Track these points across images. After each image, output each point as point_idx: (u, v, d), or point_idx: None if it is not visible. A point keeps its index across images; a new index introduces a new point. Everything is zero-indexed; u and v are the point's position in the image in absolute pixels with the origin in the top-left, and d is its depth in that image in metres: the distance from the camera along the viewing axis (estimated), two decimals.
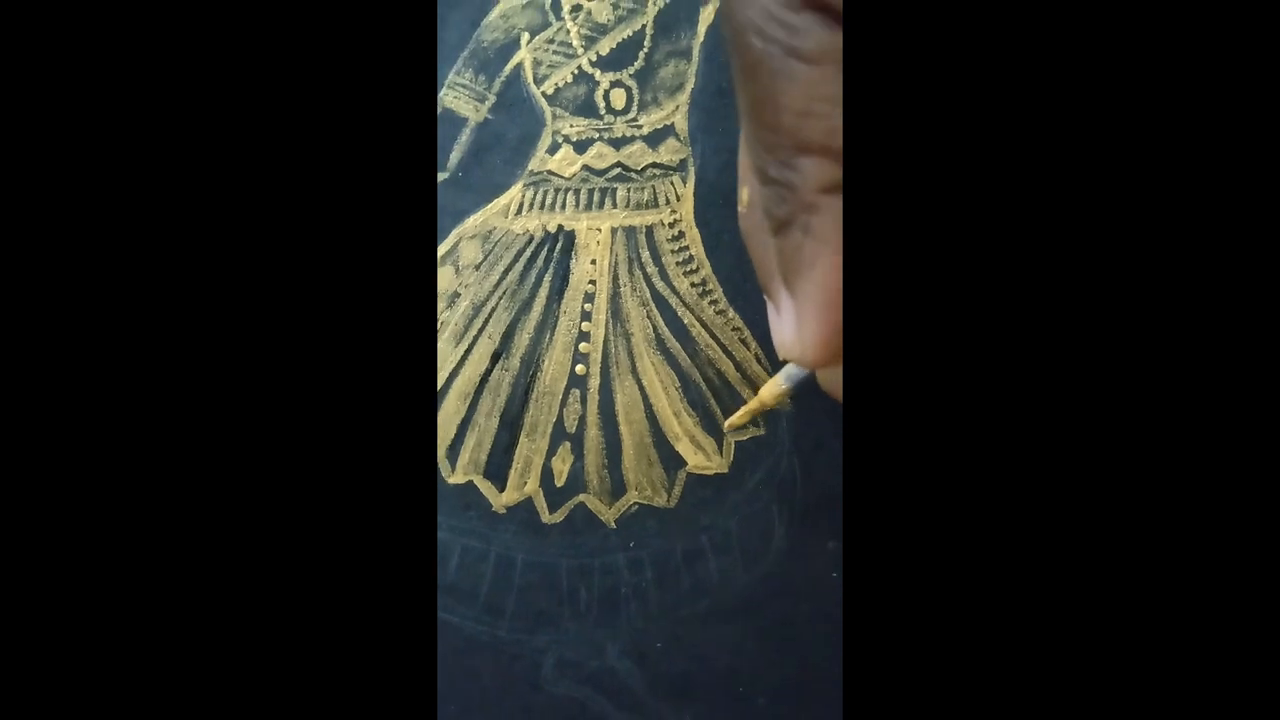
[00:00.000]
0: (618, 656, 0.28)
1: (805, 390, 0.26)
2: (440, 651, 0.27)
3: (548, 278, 0.28)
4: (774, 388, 0.26)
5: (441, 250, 0.28)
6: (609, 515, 0.28)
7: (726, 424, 0.28)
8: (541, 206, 0.28)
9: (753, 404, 0.27)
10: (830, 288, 0.20)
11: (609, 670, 0.27)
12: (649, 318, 0.28)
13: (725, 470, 0.28)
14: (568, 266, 0.28)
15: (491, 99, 0.28)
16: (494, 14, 0.28)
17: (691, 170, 0.28)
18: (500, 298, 0.28)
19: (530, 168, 0.28)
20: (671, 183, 0.28)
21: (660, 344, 0.28)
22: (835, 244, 0.20)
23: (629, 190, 0.28)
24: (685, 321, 0.28)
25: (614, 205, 0.28)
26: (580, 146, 0.28)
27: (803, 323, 0.21)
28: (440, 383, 0.28)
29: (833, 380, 0.24)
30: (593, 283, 0.28)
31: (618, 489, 0.28)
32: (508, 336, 0.28)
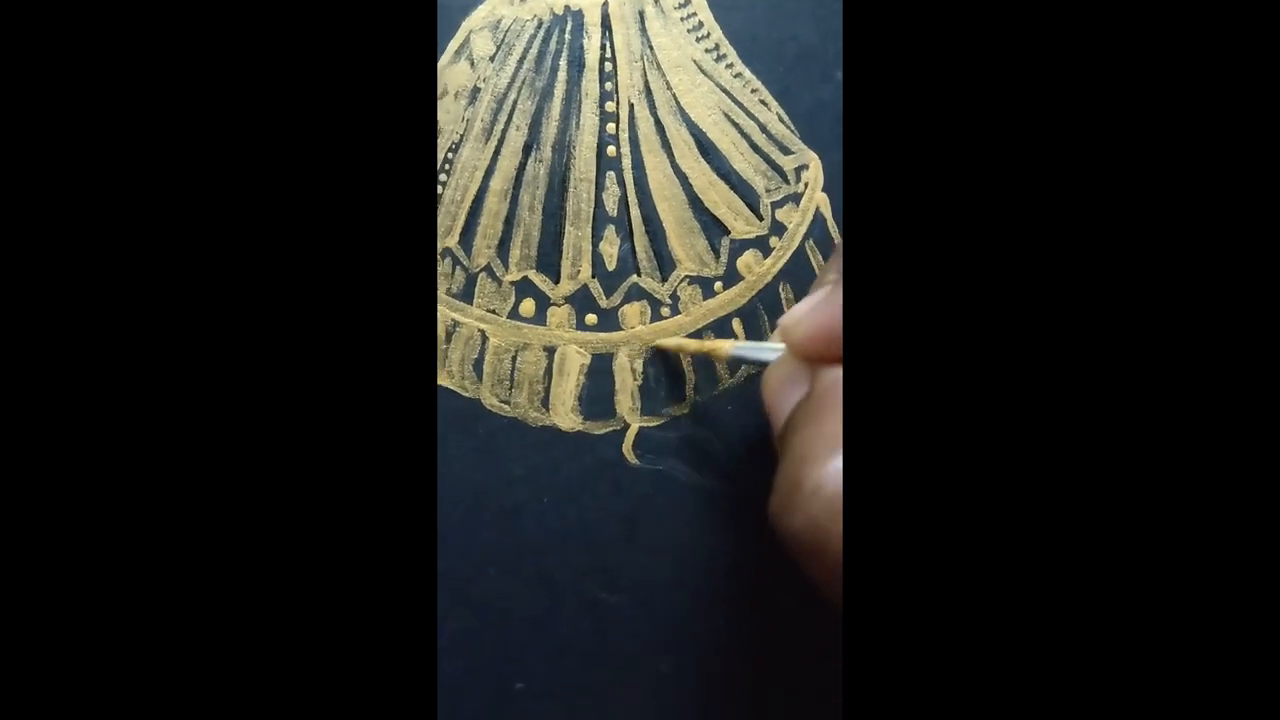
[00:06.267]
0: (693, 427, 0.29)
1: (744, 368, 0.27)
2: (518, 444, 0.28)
3: (563, 62, 0.27)
4: (726, 344, 0.26)
5: (453, 46, 0.27)
6: (663, 292, 0.28)
7: (660, 342, 0.28)
8: None
9: (695, 344, 0.27)
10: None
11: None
12: (669, 88, 0.28)
13: (765, 233, 0.28)
14: (581, 47, 0.28)
15: None
16: None
17: None
18: (520, 88, 0.27)
19: None
20: None
21: (683, 114, 0.28)
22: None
23: None
24: (704, 89, 0.28)
25: None
26: None
27: (819, 307, 0.22)
28: (477, 185, 0.27)
29: (772, 391, 0.23)
30: (609, 60, 0.28)
31: (667, 265, 0.28)
32: (535, 127, 0.27)
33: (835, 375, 0.21)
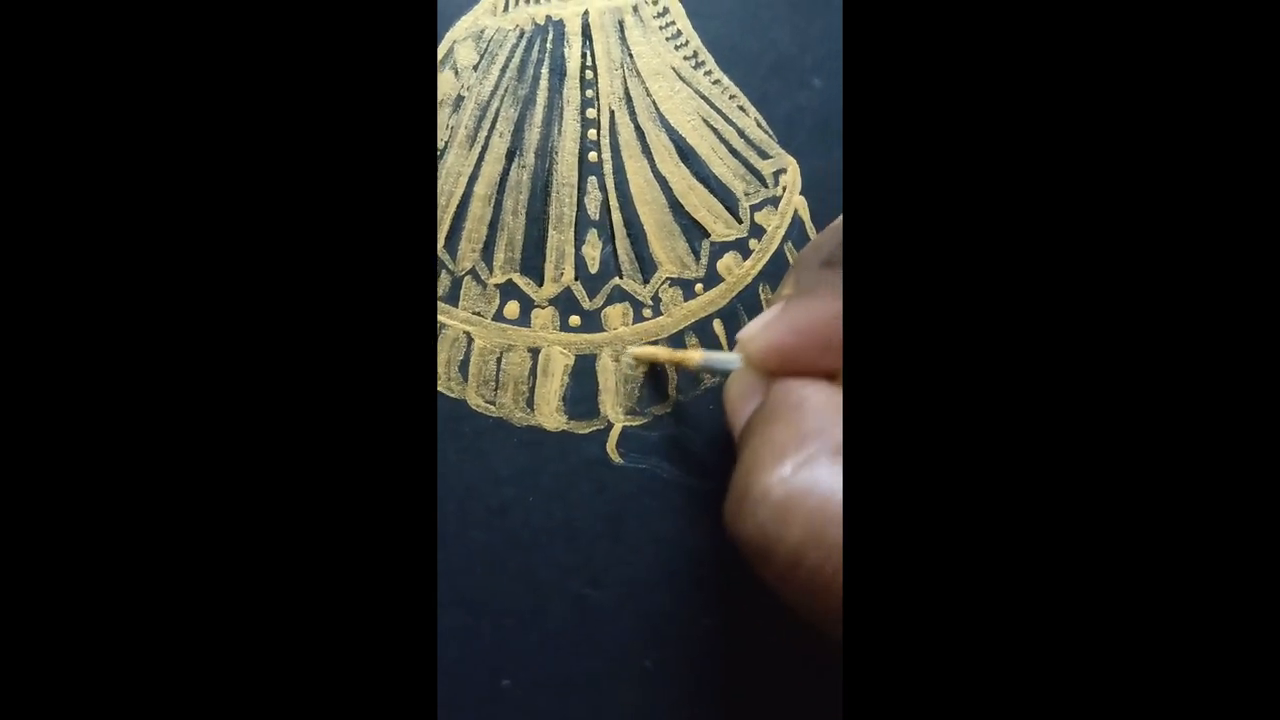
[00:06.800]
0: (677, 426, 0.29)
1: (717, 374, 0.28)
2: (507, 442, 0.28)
3: (545, 70, 0.28)
4: (695, 354, 0.27)
5: (439, 55, 0.28)
6: (645, 294, 0.29)
7: (632, 352, 0.28)
8: (527, 0, 0.28)
9: (665, 352, 0.28)
10: (816, 319, 0.21)
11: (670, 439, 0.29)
12: (649, 95, 0.29)
13: (744, 235, 0.29)
14: (562, 55, 0.28)
15: None
16: None
17: None
18: (504, 96, 0.28)
19: None
20: None
21: (663, 120, 0.29)
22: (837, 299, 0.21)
23: None
24: (683, 96, 0.29)
25: None
26: None
27: (774, 323, 0.22)
28: (461, 190, 0.28)
29: (732, 403, 0.24)
30: (590, 68, 0.28)
31: (648, 268, 0.29)
32: (518, 134, 0.28)
33: (786, 386, 0.22)
